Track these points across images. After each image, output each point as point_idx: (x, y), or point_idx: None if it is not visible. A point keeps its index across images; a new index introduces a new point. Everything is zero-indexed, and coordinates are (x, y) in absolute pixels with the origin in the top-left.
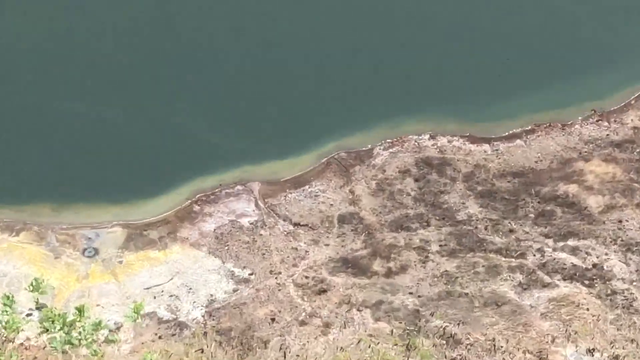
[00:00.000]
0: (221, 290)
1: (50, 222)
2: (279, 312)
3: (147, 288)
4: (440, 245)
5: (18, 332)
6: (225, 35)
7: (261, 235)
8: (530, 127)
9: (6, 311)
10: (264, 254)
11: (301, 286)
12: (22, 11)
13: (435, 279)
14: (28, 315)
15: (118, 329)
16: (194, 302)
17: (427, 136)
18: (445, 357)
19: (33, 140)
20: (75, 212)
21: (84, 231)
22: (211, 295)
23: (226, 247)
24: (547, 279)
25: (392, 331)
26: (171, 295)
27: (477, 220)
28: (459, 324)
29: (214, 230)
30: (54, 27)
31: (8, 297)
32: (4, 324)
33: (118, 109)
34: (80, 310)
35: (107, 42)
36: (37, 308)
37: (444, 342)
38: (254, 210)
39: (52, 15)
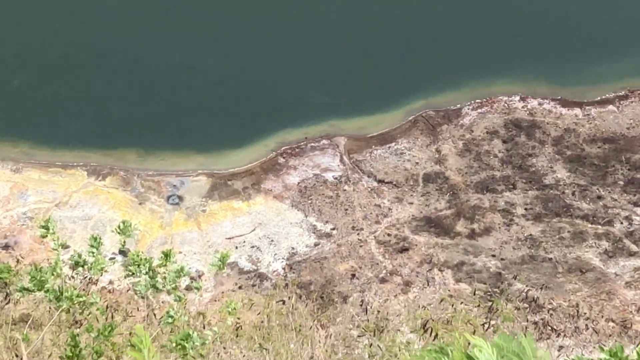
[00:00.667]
0: (302, 243)
1: (136, 168)
2: (360, 268)
3: (229, 238)
4: (525, 209)
5: (102, 274)
6: None
7: (345, 190)
8: (623, 92)
9: (92, 252)
10: (346, 209)
11: (383, 243)
12: None
13: (519, 242)
14: (111, 259)
15: (199, 277)
16: (275, 254)
17: (518, 98)
18: (527, 321)
19: (123, 86)
20: (161, 160)
21: (169, 178)
22: (292, 248)
23: (309, 201)
24: (633, 247)
25: (473, 292)
26: (253, 247)
27: (565, 185)
28: (541, 289)
29: (298, 183)
30: None
31: (95, 239)
32: (89, 264)
33: (208, 59)
34: (166, 255)
35: None
36: (120, 252)
37: (526, 306)
38: (338, 165)
39: None
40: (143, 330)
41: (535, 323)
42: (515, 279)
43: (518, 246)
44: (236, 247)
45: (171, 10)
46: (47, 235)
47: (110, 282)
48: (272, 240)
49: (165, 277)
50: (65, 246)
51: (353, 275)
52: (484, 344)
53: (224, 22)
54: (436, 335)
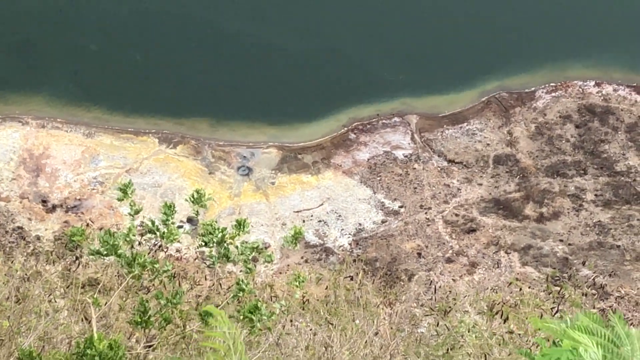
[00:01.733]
0: (370, 220)
1: (208, 137)
2: (426, 247)
3: (297, 211)
4: (595, 195)
5: (173, 243)
6: None
7: (414, 169)
8: None
9: (166, 220)
10: (415, 188)
11: (450, 223)
12: None
13: (588, 228)
14: (179, 227)
15: (265, 248)
16: (342, 229)
17: (593, 83)
18: (595, 308)
19: (199, 56)
20: (233, 130)
21: (240, 149)
22: (359, 224)
23: (378, 178)
24: None
25: (546, 278)
26: (320, 221)
27: (636, 172)
28: (609, 276)
29: (368, 159)
30: None
31: (169, 207)
32: (162, 232)
33: (285, 32)
34: (240, 224)
35: None
36: (188, 220)
37: (594, 292)
38: (409, 143)
39: None
40: (217, 310)
41: (603, 310)
42: (583, 265)
43: (586, 232)
44: (303, 221)
45: None
46: (123, 199)
47: (178, 250)
48: (339, 216)
49: (237, 248)
50: (138, 211)
51: (419, 254)
52: (589, 342)
53: None
54: (506, 318)
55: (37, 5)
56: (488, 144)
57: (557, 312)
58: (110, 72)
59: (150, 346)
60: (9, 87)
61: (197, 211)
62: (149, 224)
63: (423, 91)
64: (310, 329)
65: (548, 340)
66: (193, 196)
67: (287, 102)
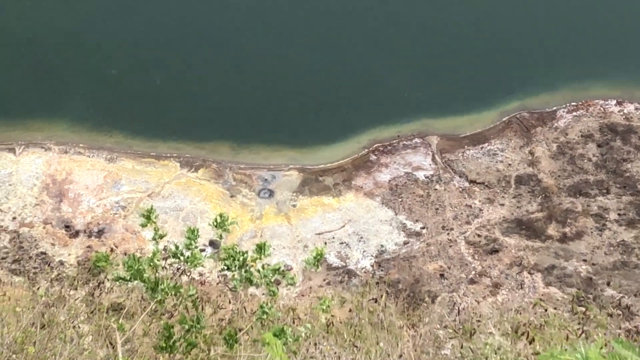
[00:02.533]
0: (392, 241)
1: (229, 160)
2: (449, 268)
3: (319, 233)
4: (618, 214)
5: (197, 267)
6: None
7: (436, 189)
8: None
9: (190, 245)
10: (437, 208)
11: (473, 244)
12: None
13: (611, 248)
14: (201, 250)
15: (288, 271)
16: (364, 251)
17: (614, 102)
18: (620, 328)
19: (218, 79)
20: (254, 153)
21: (261, 172)
22: (381, 245)
23: (400, 199)
24: None
25: (571, 299)
26: (342, 243)
27: None
28: (635, 296)
29: (389, 181)
30: None
31: (193, 231)
32: (186, 257)
33: (304, 53)
34: (261, 248)
35: None
36: (210, 244)
37: (619, 312)
38: (430, 164)
39: None
40: (273, 338)
41: (628, 331)
42: (608, 285)
43: (610, 251)
44: (325, 243)
45: (269, 4)
46: (147, 225)
47: (200, 274)
48: (361, 237)
49: (259, 271)
50: (163, 236)
51: (442, 275)
52: None
53: (321, 17)
54: (532, 340)
55: (56, 31)
56: (509, 164)
57: (582, 332)
58: (131, 96)
59: None
60: (31, 113)
61: (221, 235)
62: (173, 248)
63: (443, 112)
64: (335, 352)
65: None
66: (216, 220)
67: (307, 125)
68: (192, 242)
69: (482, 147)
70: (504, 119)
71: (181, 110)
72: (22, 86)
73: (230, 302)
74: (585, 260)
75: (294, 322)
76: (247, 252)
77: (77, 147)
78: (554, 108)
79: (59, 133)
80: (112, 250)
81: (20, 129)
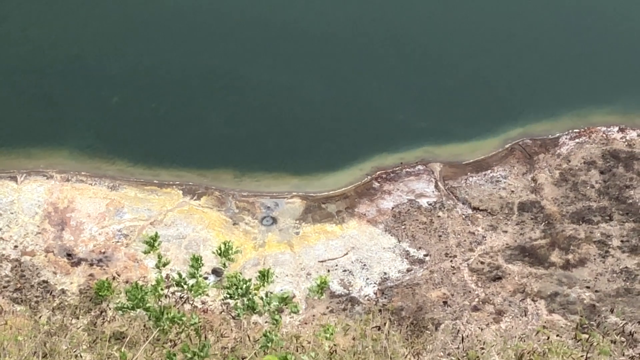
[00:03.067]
0: (395, 269)
1: (231, 188)
2: (452, 295)
3: (322, 261)
4: (622, 241)
5: (201, 296)
6: (421, 15)
7: (439, 217)
8: None
9: (193, 273)
10: (440, 235)
11: (476, 271)
12: None
13: (615, 274)
14: (205, 278)
15: (291, 299)
16: (367, 278)
17: (616, 128)
18: (624, 355)
19: (220, 107)
20: (256, 181)
21: (264, 200)
22: (385, 273)
23: (403, 226)
24: None
25: (576, 326)
26: (345, 270)
27: None
28: (638, 323)
29: (392, 208)
30: None
31: (197, 260)
32: (190, 285)
33: (306, 81)
34: (264, 275)
35: (300, 13)
36: (213, 272)
37: (623, 339)
38: (433, 191)
39: None
40: None
41: (632, 358)
42: (611, 312)
43: (613, 278)
44: (328, 271)
45: (273, 31)
46: (150, 251)
47: (203, 302)
48: (364, 265)
49: (263, 299)
50: (166, 264)
51: (445, 303)
52: None
53: (324, 45)
54: None
55: (58, 60)
56: (512, 191)
57: None
58: (133, 124)
59: None
60: (33, 141)
61: (225, 264)
62: (176, 276)
63: (446, 139)
64: None
65: None
66: (220, 249)
67: (310, 152)
68: (196, 270)
69: (485, 174)
70: (507, 146)
71: (183, 138)
72: (24, 114)
73: (232, 331)
74: (588, 287)
75: (297, 350)
76: (250, 280)
77: (79, 175)
78: (557, 135)
79: (61, 161)
80: (114, 278)
81: (22, 157)
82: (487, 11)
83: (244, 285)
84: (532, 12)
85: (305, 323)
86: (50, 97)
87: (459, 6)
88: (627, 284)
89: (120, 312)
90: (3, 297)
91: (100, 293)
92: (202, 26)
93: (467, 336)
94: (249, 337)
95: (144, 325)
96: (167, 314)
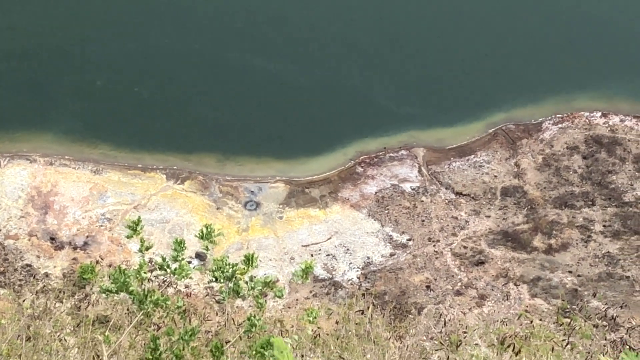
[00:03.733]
0: (378, 253)
1: (215, 172)
2: (435, 280)
3: (305, 245)
4: (604, 226)
5: (184, 279)
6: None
7: (422, 201)
8: None
9: (177, 257)
10: (423, 220)
11: (459, 256)
12: None
13: (597, 259)
14: (188, 262)
15: (274, 283)
16: (350, 263)
17: (599, 114)
18: (605, 339)
19: (204, 91)
20: (240, 165)
21: (247, 184)
22: (368, 257)
23: (386, 211)
24: None
25: (557, 310)
26: (328, 255)
27: None
28: (620, 307)
29: (376, 193)
30: None
31: (180, 243)
32: (173, 269)
33: (290, 66)
34: (249, 259)
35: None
36: (196, 256)
37: (605, 324)
38: (416, 176)
39: None
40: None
41: (614, 342)
42: (593, 296)
43: (595, 263)
44: (312, 255)
45: (256, 17)
46: (133, 236)
47: (187, 286)
48: (347, 249)
49: (247, 283)
50: (149, 248)
51: (428, 287)
52: None
53: (306, 30)
54: (518, 351)
55: (42, 44)
56: (495, 176)
57: (567, 344)
58: (117, 108)
59: None
60: (16, 125)
61: (207, 247)
62: (160, 260)
63: (430, 124)
64: None
65: None
66: (202, 232)
67: (294, 137)
68: (179, 253)
69: (468, 159)
70: (490, 131)
71: (168, 122)
72: (7, 98)
73: (216, 314)
74: (570, 272)
75: (280, 334)
76: (236, 264)
77: (63, 159)
78: (540, 120)
79: (45, 145)
80: (97, 262)
81: (5, 140)
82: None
83: (230, 270)
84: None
85: (289, 307)
86: (34, 82)
87: None
88: (609, 268)
89: (104, 295)
90: None
91: (84, 277)
92: (186, 11)
93: (450, 320)
94: (233, 321)
95: (128, 309)
96: (151, 297)
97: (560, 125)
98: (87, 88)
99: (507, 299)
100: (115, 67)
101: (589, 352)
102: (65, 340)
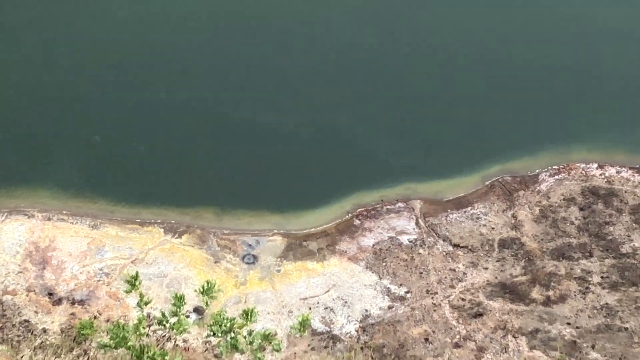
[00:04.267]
0: (376, 306)
1: (213, 226)
2: (433, 332)
3: (303, 299)
4: (602, 277)
5: (183, 334)
6: (401, 54)
7: (420, 254)
8: None
9: (175, 311)
10: (421, 272)
11: (457, 308)
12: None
13: (595, 311)
14: (187, 317)
15: (273, 337)
16: (349, 316)
17: (595, 165)
18: None
19: (201, 145)
20: (237, 218)
21: (245, 238)
22: (366, 310)
23: (384, 264)
24: None
25: None
26: (326, 308)
27: None
28: (620, 359)
29: (373, 245)
30: (231, 39)
31: (179, 298)
32: (172, 324)
33: (286, 119)
34: (247, 314)
35: (281, 52)
36: (194, 310)
37: None
38: (414, 228)
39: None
40: None
41: None
42: (592, 348)
43: (594, 315)
44: (310, 308)
45: (252, 71)
46: (131, 291)
47: (184, 340)
48: (345, 302)
49: (245, 338)
50: (148, 303)
51: (426, 340)
52: None
53: (303, 82)
54: None
55: (39, 98)
56: (493, 228)
57: None
58: (114, 163)
59: None
60: (14, 180)
61: (207, 302)
62: (159, 315)
63: (426, 176)
64: None
65: None
66: (203, 287)
67: (291, 190)
68: (179, 308)
69: (465, 211)
70: (487, 183)
71: (165, 176)
72: (4, 153)
73: None
74: (569, 324)
75: None
76: (234, 318)
77: (61, 214)
78: (536, 171)
79: (42, 200)
80: (95, 317)
81: (3, 196)
82: (466, 50)
83: (228, 324)
84: (512, 50)
85: None
86: (32, 136)
87: (437, 46)
88: (608, 320)
89: (102, 350)
90: None
91: (82, 332)
92: (183, 65)
93: None
94: None
95: None
96: (148, 352)
97: (556, 177)
98: (84, 143)
99: (506, 352)
100: (112, 122)
101: None
102: None
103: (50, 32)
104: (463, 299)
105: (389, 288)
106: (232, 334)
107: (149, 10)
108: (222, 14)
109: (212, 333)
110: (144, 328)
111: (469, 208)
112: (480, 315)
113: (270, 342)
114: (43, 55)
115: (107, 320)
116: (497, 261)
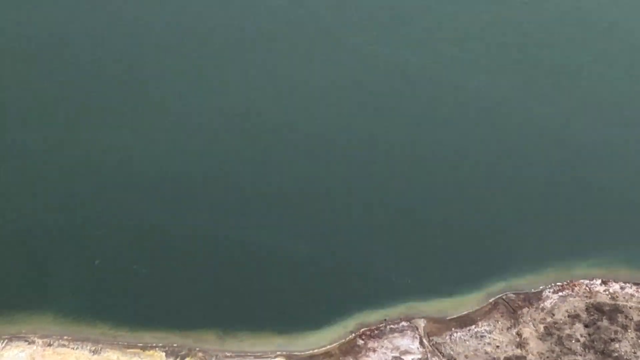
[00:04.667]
0: None
1: (215, 349)
2: None
3: None
4: None
5: None
6: (398, 176)
7: None
8: None
9: None
10: None
11: None
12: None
13: None
14: None
15: None
16: None
17: (599, 281)
18: None
19: (202, 267)
20: (240, 340)
21: None
22: None
23: None
24: None
25: None
26: None
27: None
28: None
29: None
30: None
31: None
32: None
33: (287, 240)
34: None
35: (280, 174)
36: None
37: None
38: (418, 348)
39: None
40: None
41: None
42: None
43: None
44: None
45: (253, 192)
46: None
47: None
48: None
49: None
50: None
51: None
52: None
53: (303, 206)
54: None
55: (37, 222)
56: (498, 346)
57: None
58: (115, 287)
59: None
60: (15, 307)
61: None
62: None
63: (429, 295)
64: None
65: None
66: None
67: (293, 310)
68: None
69: (469, 330)
70: (490, 301)
71: (166, 299)
72: (5, 279)
73: None
74: None
75: None
76: None
77: (62, 339)
78: (540, 288)
79: (44, 325)
80: None
81: (4, 322)
82: (465, 164)
83: None
84: (515, 165)
85: None
86: (33, 262)
87: (436, 164)
88: None
89: None
90: None
91: None
92: (183, 189)
93: None
94: None
95: None
96: None
97: (560, 294)
98: (85, 267)
99: None
100: (113, 246)
101: None
102: None
103: (54, 156)
104: None
105: None
106: None
107: (152, 137)
108: (218, 142)
109: None
110: None
111: (473, 326)
112: None
113: None
114: (40, 179)
115: None
116: None
